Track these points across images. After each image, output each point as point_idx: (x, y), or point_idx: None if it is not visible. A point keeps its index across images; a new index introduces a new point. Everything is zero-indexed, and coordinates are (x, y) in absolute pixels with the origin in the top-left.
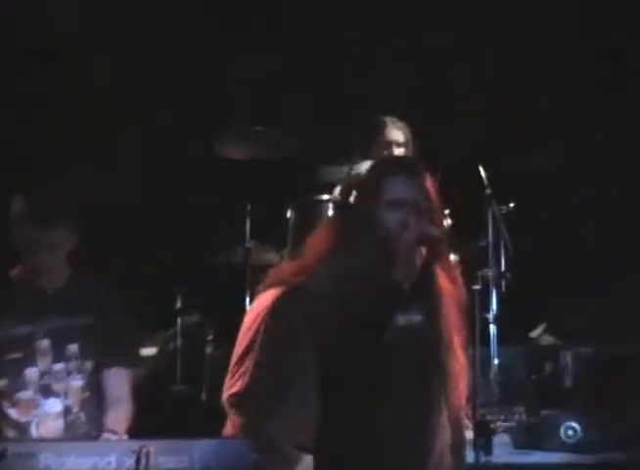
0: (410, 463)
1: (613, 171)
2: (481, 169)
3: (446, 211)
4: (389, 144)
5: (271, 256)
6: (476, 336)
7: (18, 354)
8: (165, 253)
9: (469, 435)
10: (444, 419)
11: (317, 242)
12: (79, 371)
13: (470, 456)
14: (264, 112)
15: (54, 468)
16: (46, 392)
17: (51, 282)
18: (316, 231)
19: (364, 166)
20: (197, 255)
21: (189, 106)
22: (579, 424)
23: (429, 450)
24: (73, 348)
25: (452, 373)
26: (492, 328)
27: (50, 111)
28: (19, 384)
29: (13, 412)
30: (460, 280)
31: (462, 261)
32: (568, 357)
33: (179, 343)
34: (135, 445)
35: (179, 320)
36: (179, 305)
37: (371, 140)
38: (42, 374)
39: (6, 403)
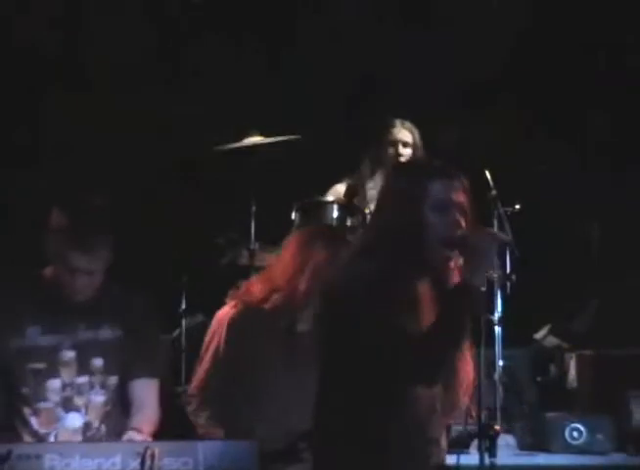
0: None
1: (617, 173)
2: (487, 171)
3: None
4: (396, 143)
5: (270, 257)
6: (481, 337)
7: (41, 365)
8: (170, 254)
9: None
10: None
11: (285, 263)
12: (103, 386)
13: (474, 458)
14: (268, 112)
15: (59, 469)
16: (67, 405)
17: (80, 294)
18: (281, 253)
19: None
20: (202, 256)
21: (192, 105)
22: (584, 426)
23: (429, 445)
24: (99, 362)
25: (459, 372)
26: (497, 330)
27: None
28: (40, 394)
29: (34, 421)
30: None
31: None
32: (572, 359)
33: (184, 344)
34: (140, 446)
35: (184, 321)
36: (184, 306)
37: (379, 139)
38: (64, 386)
39: (28, 411)
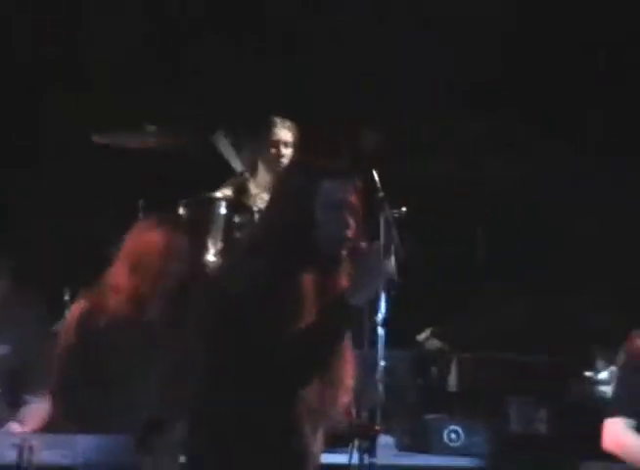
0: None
1: (506, 180)
2: (375, 173)
3: None
4: (277, 143)
5: None
6: (364, 338)
7: None
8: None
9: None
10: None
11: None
12: None
13: (354, 458)
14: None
15: None
16: None
17: None
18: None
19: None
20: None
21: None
22: (462, 428)
23: (306, 445)
24: None
25: (339, 372)
26: (380, 331)
27: None
28: None
29: None
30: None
31: None
32: (453, 362)
33: None
34: (17, 438)
35: (67, 312)
36: (67, 297)
37: (261, 139)
38: None
39: None
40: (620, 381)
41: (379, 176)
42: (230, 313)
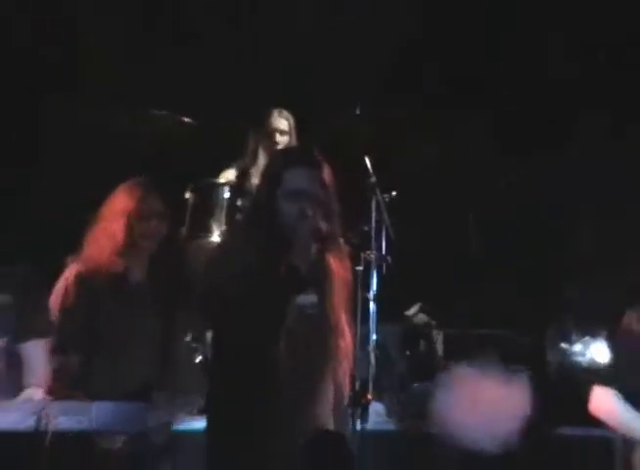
0: (298, 425)
1: (493, 165)
2: (367, 159)
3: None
4: (274, 131)
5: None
6: (357, 313)
7: None
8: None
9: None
10: (328, 388)
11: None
12: None
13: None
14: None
15: None
16: None
17: None
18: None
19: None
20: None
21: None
22: None
23: (313, 414)
24: None
25: (338, 352)
26: (372, 306)
27: None
28: None
29: None
30: (349, 265)
31: (346, 243)
32: (440, 336)
33: None
34: (36, 406)
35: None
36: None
37: (259, 127)
38: None
39: None
40: (616, 356)
41: (370, 162)
42: (206, 283)
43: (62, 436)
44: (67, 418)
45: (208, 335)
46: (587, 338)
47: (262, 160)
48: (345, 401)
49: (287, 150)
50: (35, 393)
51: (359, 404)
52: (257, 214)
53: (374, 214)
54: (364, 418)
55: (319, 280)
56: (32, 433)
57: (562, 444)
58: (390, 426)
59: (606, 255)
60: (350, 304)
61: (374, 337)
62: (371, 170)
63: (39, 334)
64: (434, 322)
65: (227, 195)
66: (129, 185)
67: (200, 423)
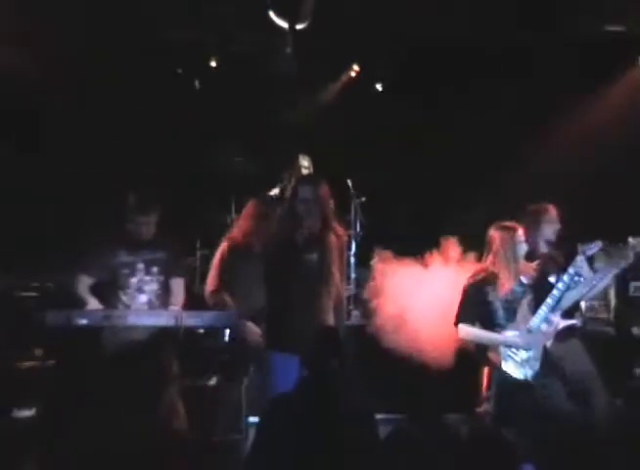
0: (307, 319)
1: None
2: (349, 180)
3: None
4: (300, 167)
5: None
6: (344, 263)
7: (127, 271)
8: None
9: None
10: (326, 297)
11: (245, 218)
12: (157, 281)
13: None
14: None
15: (134, 322)
16: (140, 290)
17: (145, 235)
18: (243, 213)
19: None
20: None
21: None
22: None
23: (318, 307)
24: (155, 269)
25: (331, 280)
26: (352, 259)
27: None
28: (127, 285)
29: (124, 298)
30: (342, 238)
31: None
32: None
33: (198, 264)
34: (176, 312)
35: (198, 252)
36: (198, 244)
37: (293, 164)
38: (138, 281)
39: (121, 293)
40: (463, 295)
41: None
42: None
43: (188, 329)
44: (191, 320)
45: None
46: None
47: (293, 183)
48: (341, 305)
49: (301, 176)
50: (174, 308)
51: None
52: (287, 211)
53: (353, 211)
54: (348, 318)
55: (320, 245)
56: (173, 327)
57: None
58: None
59: None
60: (340, 258)
61: (353, 275)
62: (351, 187)
63: (181, 274)
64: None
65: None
66: (253, 202)
67: None
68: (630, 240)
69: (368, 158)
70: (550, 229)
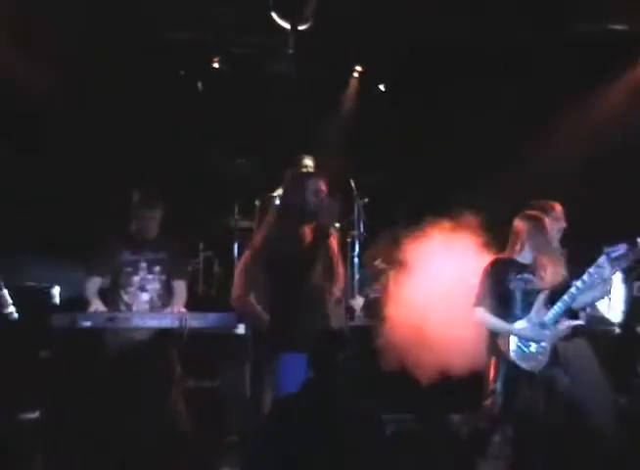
0: (319, 318)
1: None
2: (352, 181)
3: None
4: (305, 166)
5: (246, 223)
6: (347, 263)
7: (130, 269)
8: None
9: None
10: (330, 294)
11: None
12: (159, 280)
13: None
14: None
15: (139, 324)
16: (142, 289)
17: (149, 235)
18: (263, 221)
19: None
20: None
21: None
22: None
23: (323, 301)
24: (157, 268)
25: (336, 277)
26: (356, 260)
27: None
28: (129, 283)
29: (125, 297)
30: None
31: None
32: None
33: (201, 265)
34: (180, 314)
35: (202, 254)
36: (202, 246)
37: (297, 164)
38: (141, 280)
39: (122, 292)
40: (485, 279)
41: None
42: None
43: (193, 330)
44: (195, 321)
45: None
46: None
47: (297, 178)
48: (341, 300)
49: (306, 172)
50: (178, 308)
51: (349, 310)
52: (292, 205)
53: (355, 211)
54: (351, 317)
55: (327, 241)
56: (177, 328)
57: None
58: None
59: None
60: (343, 260)
61: (357, 276)
62: (354, 187)
63: (183, 277)
64: (390, 267)
65: (278, 201)
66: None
67: None
68: (639, 240)
69: (371, 158)
70: (556, 227)
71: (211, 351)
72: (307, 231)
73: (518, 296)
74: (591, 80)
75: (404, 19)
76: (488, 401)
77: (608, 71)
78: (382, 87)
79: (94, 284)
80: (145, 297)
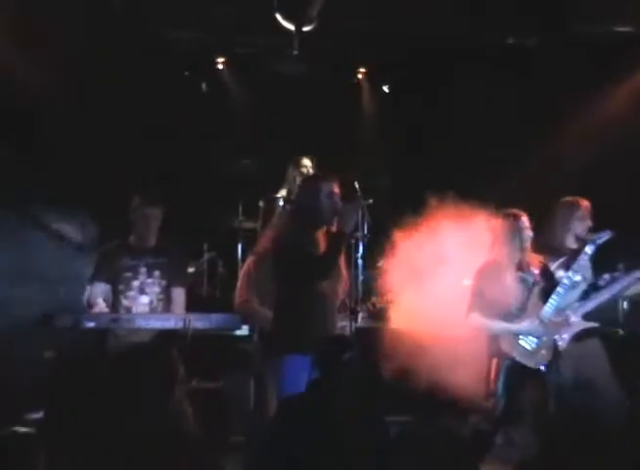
0: (327, 320)
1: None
2: (356, 183)
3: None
4: (304, 166)
5: (250, 224)
6: (351, 264)
7: (129, 274)
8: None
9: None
10: (338, 294)
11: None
12: (159, 284)
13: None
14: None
15: (142, 325)
16: (141, 292)
17: (149, 239)
18: (271, 223)
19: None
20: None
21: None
22: None
23: (332, 302)
24: (157, 273)
25: (342, 279)
26: (360, 261)
27: None
28: (129, 288)
29: (125, 302)
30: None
31: None
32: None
33: (205, 267)
34: (183, 315)
35: (205, 255)
36: (206, 247)
37: (297, 164)
38: (141, 284)
39: (122, 296)
40: (473, 286)
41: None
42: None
43: (196, 331)
44: (198, 322)
45: None
46: None
47: (310, 180)
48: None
49: (320, 174)
50: (176, 311)
51: (354, 312)
52: (306, 209)
53: (360, 212)
54: (355, 319)
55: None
56: (181, 329)
57: None
58: (373, 323)
59: None
60: (347, 262)
61: (361, 278)
62: (358, 188)
63: (182, 284)
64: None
65: (281, 203)
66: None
67: None
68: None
69: (375, 159)
70: (581, 225)
71: (215, 351)
72: (321, 235)
73: (512, 294)
74: (594, 81)
75: (403, 18)
76: (490, 403)
77: (611, 73)
78: (386, 88)
79: (99, 289)
80: (145, 299)
